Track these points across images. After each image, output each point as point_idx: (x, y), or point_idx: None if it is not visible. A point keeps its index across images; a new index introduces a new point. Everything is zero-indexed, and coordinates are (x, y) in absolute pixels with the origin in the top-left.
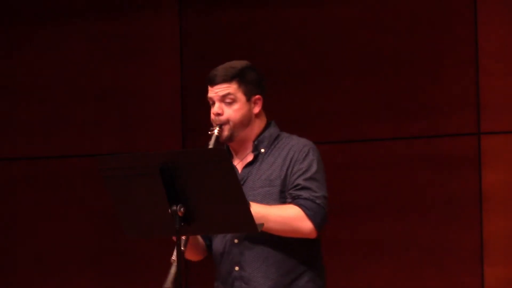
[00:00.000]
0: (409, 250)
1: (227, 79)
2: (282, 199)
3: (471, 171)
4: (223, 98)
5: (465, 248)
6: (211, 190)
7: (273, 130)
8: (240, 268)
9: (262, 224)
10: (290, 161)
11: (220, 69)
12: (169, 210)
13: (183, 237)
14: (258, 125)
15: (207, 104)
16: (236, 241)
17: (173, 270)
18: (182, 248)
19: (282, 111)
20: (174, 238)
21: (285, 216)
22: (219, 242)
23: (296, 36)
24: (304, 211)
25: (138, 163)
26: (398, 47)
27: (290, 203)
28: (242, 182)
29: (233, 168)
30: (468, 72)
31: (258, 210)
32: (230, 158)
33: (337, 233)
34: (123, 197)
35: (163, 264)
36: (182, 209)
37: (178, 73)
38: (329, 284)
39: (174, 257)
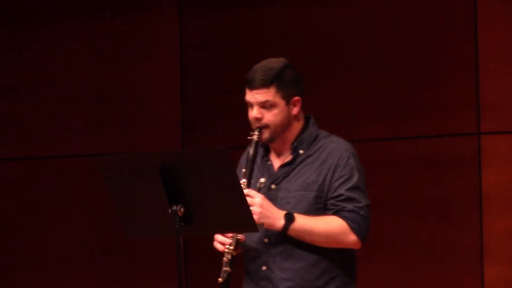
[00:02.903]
0: (409, 250)
1: (266, 84)
2: (318, 205)
3: (471, 171)
4: (262, 104)
5: (465, 248)
6: (211, 190)
7: (312, 129)
8: (268, 268)
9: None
10: (330, 167)
11: (259, 72)
12: (169, 210)
13: (232, 240)
14: (296, 126)
15: (206, 104)
16: (266, 240)
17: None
18: (233, 248)
19: None
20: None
21: (330, 230)
22: (250, 239)
23: (295, 36)
24: (348, 224)
25: (138, 163)
26: (398, 47)
27: (333, 214)
28: (277, 182)
29: (233, 168)
30: (468, 72)
31: (303, 223)
32: (230, 158)
33: None
34: (123, 197)
35: (163, 264)
36: (182, 209)
37: (178, 73)
38: None
39: (221, 278)
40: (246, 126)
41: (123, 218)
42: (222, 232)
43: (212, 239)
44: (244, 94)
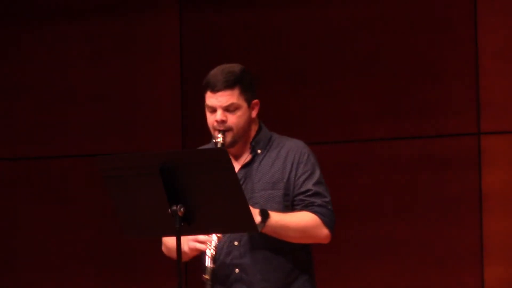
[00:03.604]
0: (409, 250)
1: (229, 86)
2: (286, 202)
3: (471, 171)
4: (226, 107)
5: (465, 248)
6: (211, 190)
7: (266, 131)
8: (241, 270)
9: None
10: (292, 164)
11: (221, 75)
12: (169, 210)
13: (212, 237)
14: (254, 129)
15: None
16: (236, 243)
17: None
18: (212, 265)
19: (282, 111)
20: (204, 277)
21: (303, 224)
22: (218, 243)
23: (295, 36)
24: (320, 218)
25: (138, 163)
26: (398, 47)
27: (303, 210)
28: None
29: (233, 168)
30: (468, 72)
31: (278, 219)
32: (230, 158)
33: (337, 233)
34: (123, 197)
35: (163, 264)
36: (182, 209)
37: (178, 73)
38: (328, 284)
39: (207, 275)
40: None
41: (123, 218)
42: (222, 232)
43: None
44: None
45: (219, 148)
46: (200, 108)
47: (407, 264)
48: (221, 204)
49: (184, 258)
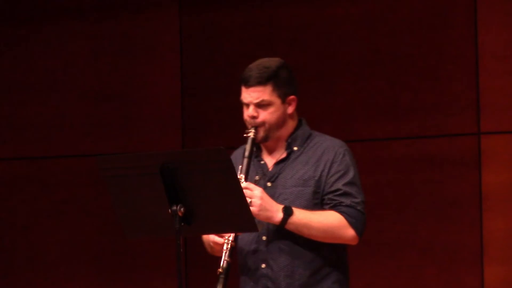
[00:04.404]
0: (409, 250)
1: (262, 82)
2: (315, 200)
3: (471, 171)
4: (258, 103)
5: (465, 248)
6: (211, 190)
7: (305, 128)
8: (267, 266)
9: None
10: (326, 162)
11: (255, 70)
12: (169, 210)
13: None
14: (291, 124)
15: (206, 105)
16: (264, 238)
17: (221, 282)
18: (228, 259)
19: None
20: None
21: (328, 224)
22: (245, 238)
23: (295, 36)
24: (346, 218)
25: (138, 163)
26: (398, 47)
27: (330, 209)
28: (272, 179)
29: (233, 168)
30: (468, 72)
31: (301, 217)
32: (230, 158)
33: None
34: (123, 197)
35: (163, 264)
36: (182, 209)
37: (178, 73)
38: None
39: (221, 268)
40: (246, 126)
41: (123, 218)
42: (222, 232)
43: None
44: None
45: (219, 148)
46: (200, 108)
47: (407, 264)
48: (221, 204)
49: (212, 252)
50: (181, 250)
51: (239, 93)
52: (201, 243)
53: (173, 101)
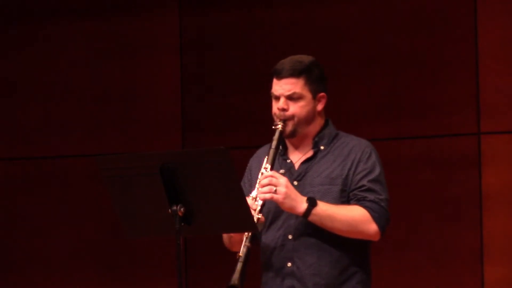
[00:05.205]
0: (409, 250)
1: (295, 74)
2: (343, 198)
3: (471, 171)
4: (289, 95)
5: (465, 248)
6: (211, 190)
7: (332, 128)
8: (293, 264)
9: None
10: (353, 161)
11: (288, 63)
12: (169, 210)
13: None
14: (319, 122)
15: (206, 105)
16: (290, 236)
17: (239, 266)
18: (248, 244)
19: None
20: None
21: (351, 217)
22: (271, 235)
23: (295, 36)
24: (370, 213)
25: (138, 163)
26: (398, 47)
27: (355, 204)
28: (299, 178)
29: (234, 168)
30: (468, 72)
31: (325, 208)
32: (230, 158)
33: None
34: (123, 197)
35: (163, 264)
36: (182, 209)
37: (178, 73)
38: None
39: (240, 253)
40: (246, 126)
41: (123, 218)
42: (222, 232)
43: (212, 239)
44: (243, 94)
45: (219, 148)
46: (200, 108)
47: (407, 264)
48: (221, 204)
49: (230, 245)
50: (181, 250)
51: (239, 93)
52: (201, 243)
53: (173, 100)
